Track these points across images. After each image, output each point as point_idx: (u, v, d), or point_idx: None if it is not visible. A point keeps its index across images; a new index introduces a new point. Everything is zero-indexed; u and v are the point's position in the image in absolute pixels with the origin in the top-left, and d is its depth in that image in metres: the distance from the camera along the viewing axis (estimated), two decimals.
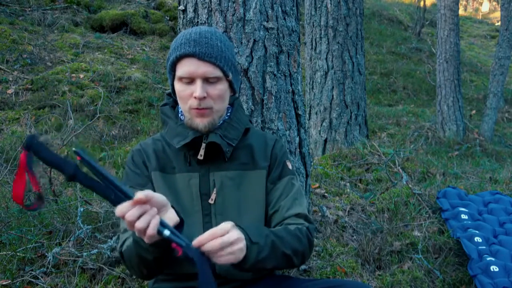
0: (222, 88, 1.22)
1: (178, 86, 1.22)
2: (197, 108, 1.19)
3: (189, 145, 1.23)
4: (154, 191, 1.25)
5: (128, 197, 0.93)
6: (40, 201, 0.97)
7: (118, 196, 0.93)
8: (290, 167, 1.34)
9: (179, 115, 1.31)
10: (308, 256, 1.27)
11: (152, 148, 1.30)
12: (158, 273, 1.20)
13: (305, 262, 1.27)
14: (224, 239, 0.98)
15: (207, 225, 1.23)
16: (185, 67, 1.18)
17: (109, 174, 0.94)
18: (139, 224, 0.92)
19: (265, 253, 1.09)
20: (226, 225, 1.01)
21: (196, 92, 1.17)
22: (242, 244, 1.02)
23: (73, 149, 0.93)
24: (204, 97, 1.18)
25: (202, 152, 1.23)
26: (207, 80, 1.19)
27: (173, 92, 1.29)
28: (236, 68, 1.29)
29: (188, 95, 1.19)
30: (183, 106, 1.23)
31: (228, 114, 1.31)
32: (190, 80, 1.19)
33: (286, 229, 1.20)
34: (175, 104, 1.35)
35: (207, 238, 0.98)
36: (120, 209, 0.92)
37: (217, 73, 1.19)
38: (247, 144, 1.31)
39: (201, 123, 1.21)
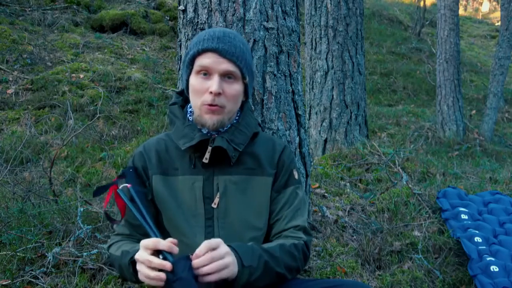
0: (237, 88, 1.22)
1: (194, 80, 1.21)
2: (209, 104, 1.18)
3: (195, 147, 1.22)
4: (152, 194, 1.26)
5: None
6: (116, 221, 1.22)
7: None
8: (296, 176, 1.33)
9: (187, 115, 1.30)
10: (302, 269, 1.28)
11: (154, 150, 1.29)
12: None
13: (298, 274, 1.28)
14: (220, 263, 1.02)
15: (209, 229, 1.23)
16: (205, 60, 1.19)
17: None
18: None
19: (257, 274, 1.10)
20: (223, 248, 1.05)
21: (213, 86, 1.17)
22: (233, 268, 1.05)
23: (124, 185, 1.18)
24: (219, 94, 1.18)
25: (207, 155, 1.22)
26: (224, 77, 1.19)
27: (186, 88, 1.28)
28: (253, 73, 1.29)
29: (203, 90, 1.19)
30: (195, 101, 1.22)
31: (237, 118, 1.30)
32: (208, 75, 1.19)
33: (282, 247, 1.20)
34: (184, 104, 1.34)
35: (205, 261, 1.01)
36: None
37: (236, 71, 1.20)
38: (254, 149, 1.29)
39: (210, 120, 1.20)
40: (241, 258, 1.07)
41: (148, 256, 1.01)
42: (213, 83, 1.17)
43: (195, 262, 1.01)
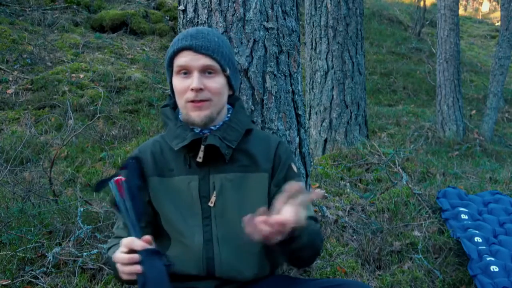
0: (219, 81, 1.22)
1: (175, 80, 1.22)
2: (193, 101, 1.19)
3: (188, 147, 1.22)
4: (149, 197, 1.26)
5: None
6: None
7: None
8: (295, 170, 1.33)
9: (179, 116, 1.30)
10: (320, 253, 1.29)
11: (150, 152, 1.29)
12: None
13: (316, 258, 1.30)
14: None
15: (206, 228, 1.22)
16: (182, 59, 1.19)
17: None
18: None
19: (312, 236, 1.14)
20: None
21: (193, 83, 1.17)
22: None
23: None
24: (201, 89, 1.18)
25: (201, 154, 1.22)
26: (203, 72, 1.19)
27: (171, 90, 1.29)
28: (234, 65, 1.29)
29: (185, 88, 1.19)
30: (180, 102, 1.23)
31: (228, 115, 1.30)
32: (187, 73, 1.20)
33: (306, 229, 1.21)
34: (176, 106, 1.34)
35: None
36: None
37: (214, 65, 1.20)
38: (248, 146, 1.29)
39: (197, 117, 1.20)
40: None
41: (118, 254, 1.03)
42: (193, 80, 1.18)
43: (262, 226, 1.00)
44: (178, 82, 1.21)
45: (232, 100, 1.33)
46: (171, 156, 1.27)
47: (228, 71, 1.23)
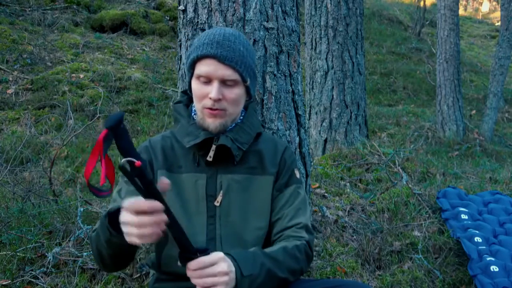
0: (238, 92, 1.21)
1: (195, 84, 1.22)
2: (210, 108, 1.19)
3: (199, 145, 1.23)
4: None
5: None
6: (110, 190, 0.98)
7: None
8: (297, 175, 1.33)
9: (192, 114, 1.30)
10: (306, 270, 1.27)
11: (160, 145, 1.30)
12: (112, 270, 1.23)
13: (301, 275, 1.27)
14: (208, 271, 1.00)
15: (210, 227, 1.23)
16: (204, 67, 1.18)
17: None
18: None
19: (258, 281, 1.09)
20: (216, 255, 1.03)
21: (212, 93, 1.17)
22: (226, 278, 1.02)
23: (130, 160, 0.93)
24: (219, 99, 1.18)
25: (211, 154, 1.22)
26: (224, 82, 1.19)
27: (189, 90, 1.29)
28: (255, 73, 1.29)
29: (204, 95, 1.19)
30: (197, 105, 1.23)
31: (241, 118, 1.31)
32: (208, 80, 1.19)
33: (285, 250, 1.19)
34: (189, 103, 1.34)
35: (194, 266, 1.00)
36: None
37: (236, 77, 1.19)
38: (257, 149, 1.30)
39: (212, 123, 1.21)
40: (240, 267, 1.06)
41: (131, 218, 0.94)
42: (213, 90, 1.17)
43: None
44: (197, 87, 1.21)
45: (246, 102, 1.33)
46: (181, 153, 1.28)
47: (248, 82, 1.23)
